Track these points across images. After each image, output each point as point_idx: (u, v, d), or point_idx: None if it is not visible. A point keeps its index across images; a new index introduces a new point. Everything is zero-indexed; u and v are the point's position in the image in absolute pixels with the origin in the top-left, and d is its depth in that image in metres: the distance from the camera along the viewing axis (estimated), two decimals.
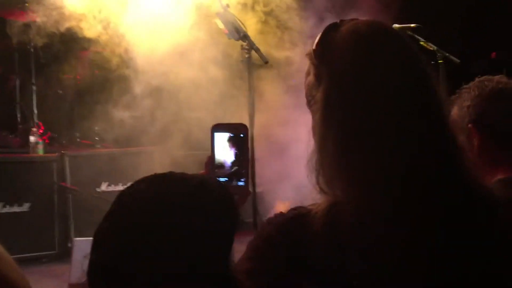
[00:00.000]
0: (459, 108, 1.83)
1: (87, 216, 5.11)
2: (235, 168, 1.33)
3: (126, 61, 5.35)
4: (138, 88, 5.46)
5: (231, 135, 1.34)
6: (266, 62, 3.86)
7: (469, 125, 1.80)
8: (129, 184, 1.16)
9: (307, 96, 1.31)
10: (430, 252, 1.15)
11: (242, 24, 3.88)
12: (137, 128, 5.60)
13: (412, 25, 4.54)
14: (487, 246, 1.18)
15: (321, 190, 1.21)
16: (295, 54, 4.31)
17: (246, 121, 4.12)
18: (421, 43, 4.57)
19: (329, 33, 1.27)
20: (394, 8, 5.00)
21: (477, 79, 1.87)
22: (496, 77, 1.85)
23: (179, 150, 5.24)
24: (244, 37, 3.84)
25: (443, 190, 1.18)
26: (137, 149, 5.66)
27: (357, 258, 1.14)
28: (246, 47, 3.84)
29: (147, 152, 5.58)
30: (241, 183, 1.33)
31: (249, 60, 3.84)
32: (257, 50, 3.82)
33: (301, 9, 4.59)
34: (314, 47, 1.27)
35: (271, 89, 4.25)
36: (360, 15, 1.36)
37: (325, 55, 1.25)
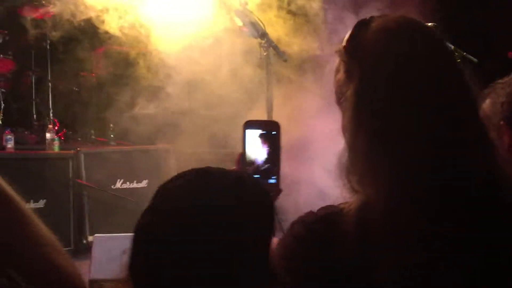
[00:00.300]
0: (492, 104, 1.81)
1: (102, 213, 5.12)
2: (267, 165, 1.33)
3: (141, 59, 5.35)
4: (153, 87, 5.46)
5: (263, 132, 1.33)
6: (285, 60, 3.85)
7: (501, 123, 1.77)
8: (165, 180, 1.16)
9: (337, 93, 1.29)
10: (466, 255, 1.13)
11: (261, 21, 3.87)
12: (152, 125, 5.60)
13: (429, 24, 4.52)
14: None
15: (352, 189, 1.20)
16: (319, 50, 4.30)
17: (264, 118, 4.12)
18: None
19: (360, 29, 1.25)
20: (411, 5, 4.98)
21: (510, 76, 1.84)
22: None
23: (196, 147, 5.24)
24: (263, 34, 3.82)
25: (477, 190, 1.16)
26: (153, 146, 5.67)
27: (388, 259, 1.13)
28: (265, 44, 3.83)
29: (162, 150, 5.58)
30: (272, 181, 1.32)
31: (267, 57, 3.83)
32: (276, 48, 3.81)
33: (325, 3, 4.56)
34: (344, 43, 1.26)
35: (290, 88, 4.23)
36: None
37: (356, 52, 1.23)
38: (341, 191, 1.22)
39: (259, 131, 1.33)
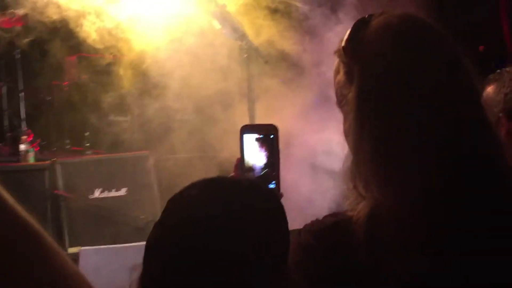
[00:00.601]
0: (496, 91, 1.80)
1: (81, 224, 5.03)
2: (266, 170, 1.31)
3: (115, 65, 5.27)
4: (128, 92, 5.39)
5: (261, 136, 1.31)
6: (266, 62, 3.82)
7: (500, 115, 1.78)
8: (177, 191, 1.12)
9: (337, 95, 1.26)
10: (477, 258, 1.12)
11: (240, 23, 3.84)
12: (128, 133, 5.53)
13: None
14: None
15: (359, 195, 1.17)
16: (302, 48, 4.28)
17: (246, 121, 4.08)
18: None
19: (359, 28, 1.22)
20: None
21: None
22: None
23: (176, 153, 5.18)
24: (242, 36, 3.79)
25: (486, 191, 1.14)
26: (130, 154, 5.59)
27: (400, 267, 1.10)
28: (245, 46, 3.80)
29: (140, 157, 5.51)
30: (272, 186, 1.31)
31: (247, 59, 3.80)
32: (256, 50, 3.78)
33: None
34: (343, 43, 1.22)
35: (272, 87, 4.20)
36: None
37: (356, 52, 1.20)
38: (347, 197, 1.20)
39: (256, 135, 1.31)
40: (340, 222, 1.18)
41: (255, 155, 1.31)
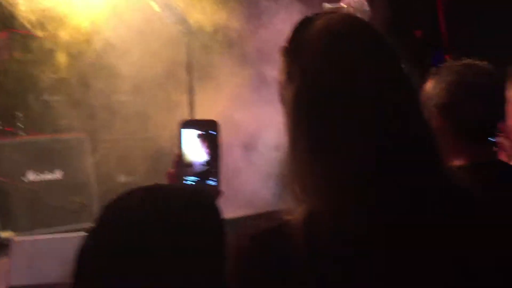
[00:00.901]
0: (432, 87, 1.82)
1: (14, 207, 4.88)
2: (206, 167, 1.29)
3: (51, 44, 5.09)
4: (64, 72, 5.22)
5: (201, 132, 1.29)
6: (206, 47, 3.75)
7: (433, 109, 1.80)
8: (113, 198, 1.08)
9: (279, 95, 1.25)
10: (413, 257, 1.12)
11: (180, 7, 3.74)
12: (64, 114, 5.36)
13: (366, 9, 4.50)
14: (471, 236, 1.16)
15: (297, 198, 1.16)
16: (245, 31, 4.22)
17: (184, 104, 4.02)
18: None
19: (302, 28, 1.22)
20: None
21: (462, 62, 1.84)
22: (479, 66, 1.83)
23: (114, 135, 5.07)
24: (183, 20, 3.71)
25: (421, 192, 1.15)
26: (66, 136, 5.44)
27: (338, 269, 1.10)
28: (185, 30, 3.72)
29: (77, 139, 5.37)
30: (212, 183, 1.29)
31: (188, 43, 3.72)
32: (196, 34, 3.70)
33: None
34: (286, 43, 1.22)
35: (214, 70, 4.14)
36: None
37: (297, 53, 1.19)
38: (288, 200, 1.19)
39: (197, 131, 1.29)
40: (278, 226, 1.16)
41: (195, 151, 1.29)
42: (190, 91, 3.69)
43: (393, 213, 1.11)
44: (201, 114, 3.75)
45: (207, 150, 1.27)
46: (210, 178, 1.27)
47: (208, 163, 1.27)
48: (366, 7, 5.30)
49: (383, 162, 1.12)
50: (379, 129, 1.13)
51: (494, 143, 2.38)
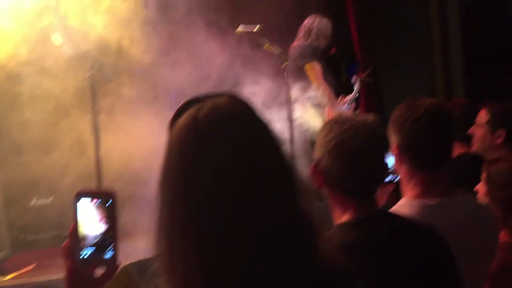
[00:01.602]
0: (319, 145, 1.86)
1: None
2: (102, 238, 1.26)
3: None
4: None
5: (97, 202, 1.25)
6: (110, 81, 3.63)
7: (312, 165, 1.83)
8: None
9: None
10: None
11: (85, 36, 3.61)
12: None
13: (256, 28, 4.45)
14: None
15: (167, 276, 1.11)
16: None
17: (90, 142, 3.88)
18: (266, 46, 4.51)
19: (183, 108, 1.17)
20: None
21: (348, 119, 1.85)
22: (358, 126, 1.82)
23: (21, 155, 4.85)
24: (86, 53, 3.58)
25: (292, 273, 1.11)
26: None
27: None
28: (89, 63, 3.59)
29: None
30: (108, 256, 1.25)
31: (92, 77, 3.58)
32: (101, 67, 3.57)
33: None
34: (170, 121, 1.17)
35: (119, 107, 4.00)
36: None
37: (170, 132, 1.16)
38: None
39: (93, 202, 1.25)
40: None
41: (90, 223, 1.25)
42: (94, 122, 3.54)
43: None
44: (107, 153, 3.63)
45: (103, 221, 1.26)
46: (106, 251, 1.25)
47: (104, 235, 1.26)
48: (329, 30, 5.33)
49: (263, 263, 1.07)
50: (247, 215, 1.08)
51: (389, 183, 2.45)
